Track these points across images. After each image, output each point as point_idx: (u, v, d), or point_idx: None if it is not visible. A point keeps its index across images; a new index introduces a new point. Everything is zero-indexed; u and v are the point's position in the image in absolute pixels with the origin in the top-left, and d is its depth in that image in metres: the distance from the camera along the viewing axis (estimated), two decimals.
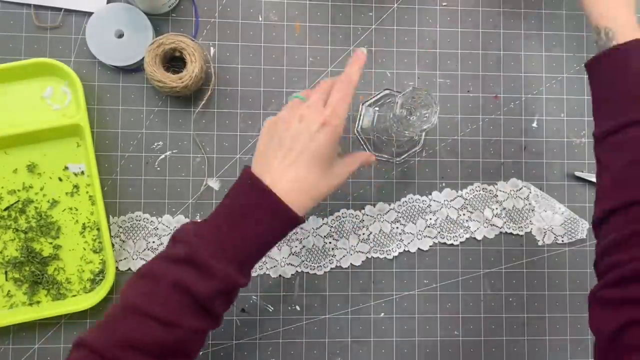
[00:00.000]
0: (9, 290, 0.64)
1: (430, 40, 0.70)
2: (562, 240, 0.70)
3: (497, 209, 0.69)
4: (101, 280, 0.65)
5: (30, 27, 0.66)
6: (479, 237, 0.69)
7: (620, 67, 0.51)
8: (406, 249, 0.68)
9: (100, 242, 0.65)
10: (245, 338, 0.66)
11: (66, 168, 0.65)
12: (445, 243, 0.69)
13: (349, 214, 0.68)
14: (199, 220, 0.51)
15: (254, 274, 0.66)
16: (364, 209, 0.68)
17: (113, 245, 0.64)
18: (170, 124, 0.67)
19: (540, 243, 0.69)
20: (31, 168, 0.64)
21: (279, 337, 0.67)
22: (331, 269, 0.67)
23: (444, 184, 0.69)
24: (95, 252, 0.65)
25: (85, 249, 0.65)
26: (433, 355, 0.68)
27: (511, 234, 0.69)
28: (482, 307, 0.69)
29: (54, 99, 0.65)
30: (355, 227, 0.68)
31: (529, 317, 0.69)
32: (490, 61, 0.71)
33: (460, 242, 0.69)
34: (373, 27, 0.70)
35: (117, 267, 0.64)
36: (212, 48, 0.68)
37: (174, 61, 0.66)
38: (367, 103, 0.66)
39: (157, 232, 0.66)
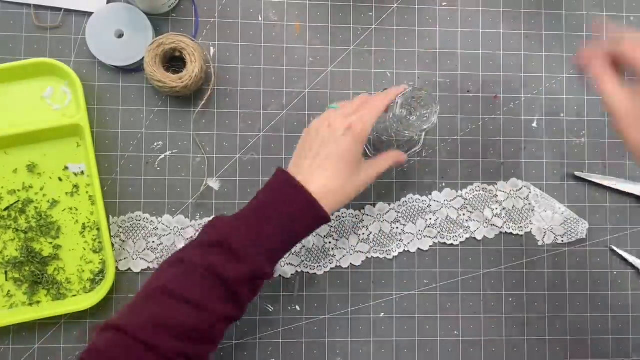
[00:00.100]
0: (9, 290, 0.64)
1: (430, 40, 0.70)
2: (562, 240, 0.70)
3: (497, 209, 0.69)
4: (101, 280, 0.65)
5: (30, 27, 0.66)
6: (479, 237, 0.69)
7: None
8: (406, 249, 0.68)
9: (100, 242, 0.65)
10: (245, 338, 0.66)
11: (66, 168, 0.65)
12: (445, 243, 0.69)
13: (349, 214, 0.68)
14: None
15: None
16: (364, 209, 0.68)
17: (113, 245, 0.64)
18: (170, 124, 0.67)
19: (540, 243, 0.69)
20: (31, 168, 0.64)
21: (279, 337, 0.67)
22: (331, 269, 0.67)
23: (444, 184, 0.69)
24: (95, 252, 0.65)
25: (85, 249, 0.65)
26: (433, 355, 0.68)
27: (511, 234, 0.69)
28: (482, 307, 0.69)
29: (54, 99, 0.65)
30: (355, 227, 0.68)
31: (529, 317, 0.69)
32: (490, 61, 0.71)
33: (460, 242, 0.69)
34: (373, 27, 0.70)
35: (117, 267, 0.64)
36: (212, 48, 0.68)
37: (174, 61, 0.66)
38: None
39: (157, 232, 0.66)
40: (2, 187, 0.64)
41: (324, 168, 0.52)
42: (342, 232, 0.68)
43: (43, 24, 0.66)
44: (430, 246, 0.68)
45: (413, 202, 0.69)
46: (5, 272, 0.64)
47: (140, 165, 0.66)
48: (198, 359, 0.47)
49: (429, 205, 0.69)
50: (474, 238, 0.69)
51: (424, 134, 0.65)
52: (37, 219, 0.64)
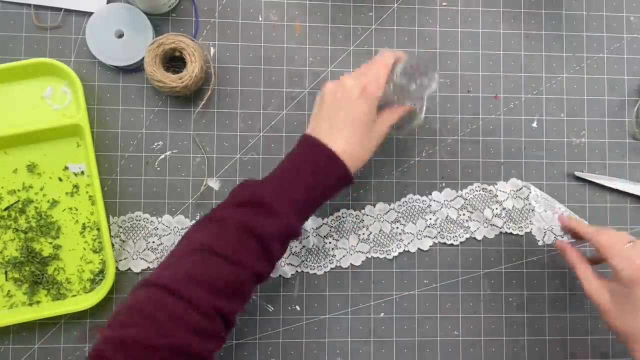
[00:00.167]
0: (9, 290, 0.64)
1: (430, 40, 0.70)
2: None
3: (497, 209, 0.69)
4: (101, 280, 0.65)
5: (30, 27, 0.66)
6: (479, 237, 0.69)
7: None
8: (406, 249, 0.68)
9: (100, 242, 0.65)
10: (245, 338, 0.66)
11: (66, 168, 0.65)
12: (445, 243, 0.69)
13: (349, 214, 0.68)
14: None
15: None
16: (364, 209, 0.68)
17: (113, 245, 0.64)
18: (170, 124, 0.67)
19: (540, 243, 0.69)
20: (31, 168, 0.64)
21: (279, 337, 0.67)
22: (331, 269, 0.67)
23: (444, 184, 0.69)
24: (95, 252, 0.65)
25: (85, 249, 0.65)
26: (433, 355, 0.68)
27: (511, 234, 0.69)
28: (482, 307, 0.69)
29: (54, 99, 0.65)
30: (355, 227, 0.68)
31: (529, 317, 0.69)
32: (490, 61, 0.71)
33: (460, 242, 0.69)
34: (373, 27, 0.70)
35: (117, 267, 0.64)
36: (212, 48, 0.68)
37: (174, 61, 0.66)
38: None
39: (157, 232, 0.66)
40: (2, 187, 0.64)
41: (342, 131, 0.54)
42: (342, 232, 0.68)
43: (43, 24, 0.66)
44: (430, 246, 0.68)
45: (413, 202, 0.69)
46: (5, 272, 0.64)
47: (140, 165, 0.66)
48: (229, 316, 0.48)
49: (429, 205, 0.69)
50: (474, 238, 0.69)
51: (424, 106, 0.63)
52: (37, 219, 0.64)
